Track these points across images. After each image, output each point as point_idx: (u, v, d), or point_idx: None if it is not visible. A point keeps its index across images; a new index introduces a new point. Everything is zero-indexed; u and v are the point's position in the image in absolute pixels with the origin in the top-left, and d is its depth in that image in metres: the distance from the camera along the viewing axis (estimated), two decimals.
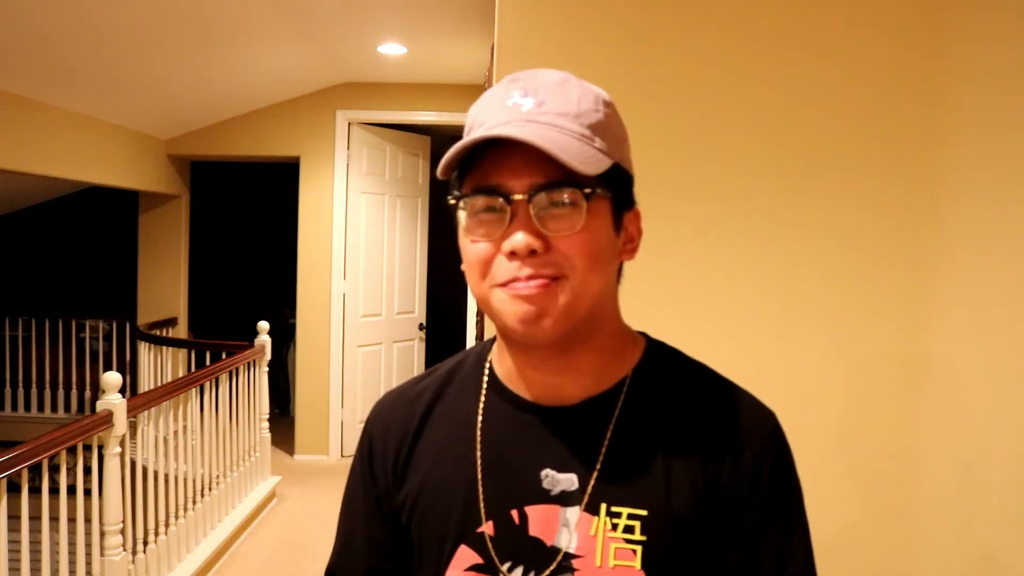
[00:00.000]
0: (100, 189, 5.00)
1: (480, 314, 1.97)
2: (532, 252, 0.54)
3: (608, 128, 0.58)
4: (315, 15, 3.14)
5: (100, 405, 2.42)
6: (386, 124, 4.50)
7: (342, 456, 4.52)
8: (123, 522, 2.46)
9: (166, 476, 2.88)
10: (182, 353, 4.35)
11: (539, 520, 0.59)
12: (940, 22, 1.29)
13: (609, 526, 0.57)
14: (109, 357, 5.16)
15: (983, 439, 1.27)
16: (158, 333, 4.58)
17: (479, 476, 0.61)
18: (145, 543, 2.67)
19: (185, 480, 3.05)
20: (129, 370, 4.76)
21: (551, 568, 0.57)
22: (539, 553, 0.58)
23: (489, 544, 0.60)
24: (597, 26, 1.37)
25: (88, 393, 5.07)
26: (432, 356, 5.24)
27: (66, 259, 6.21)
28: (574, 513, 0.58)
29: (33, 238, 6.19)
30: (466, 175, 0.60)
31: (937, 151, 1.30)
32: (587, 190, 0.54)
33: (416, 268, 4.98)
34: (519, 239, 0.53)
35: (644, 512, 0.56)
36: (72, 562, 2.32)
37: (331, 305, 4.46)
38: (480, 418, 0.63)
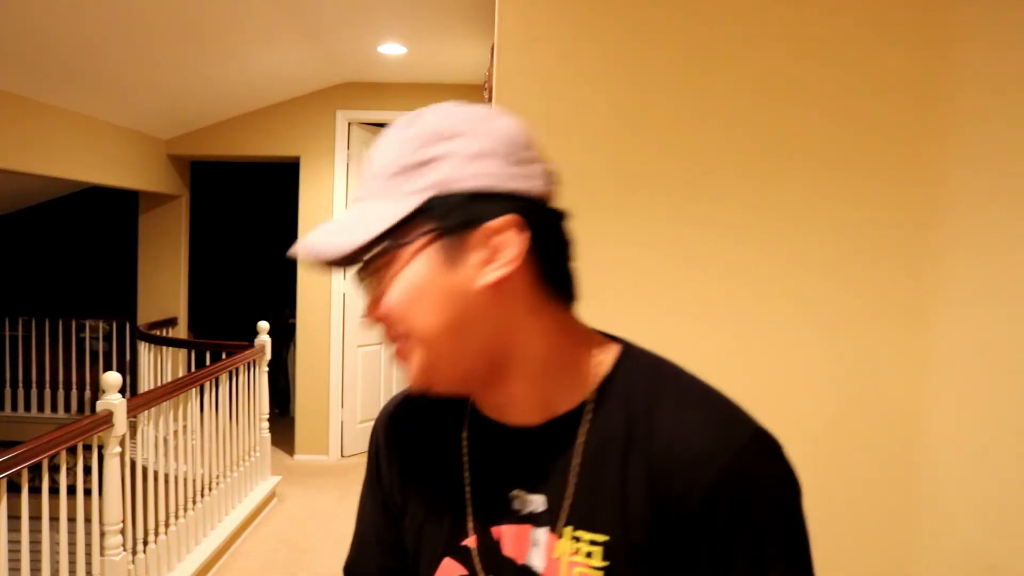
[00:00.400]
0: (100, 189, 5.01)
1: None
2: (378, 320, 0.56)
3: (430, 163, 0.54)
4: (315, 15, 3.14)
5: (100, 405, 2.42)
6: (386, 124, 4.50)
7: (342, 456, 4.52)
8: (123, 522, 2.46)
9: (166, 476, 2.88)
10: (182, 353, 4.36)
11: (511, 539, 0.58)
12: (939, 20, 1.29)
13: (572, 550, 0.55)
14: (109, 357, 5.16)
15: (984, 438, 1.27)
16: (158, 333, 4.58)
17: (466, 491, 0.61)
18: (145, 543, 2.67)
19: (185, 480, 3.05)
20: (129, 370, 4.76)
21: None
22: (513, 571, 0.58)
23: (475, 557, 0.60)
24: (597, 26, 1.38)
25: (88, 393, 5.07)
26: None
27: (66, 259, 6.21)
28: (543, 534, 0.57)
29: (34, 238, 6.19)
30: None
31: (936, 149, 1.30)
32: (376, 250, 0.53)
33: None
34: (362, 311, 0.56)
35: (606, 538, 0.54)
36: (72, 562, 2.33)
37: (331, 305, 4.46)
38: (465, 433, 0.63)
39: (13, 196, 5.52)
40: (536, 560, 0.57)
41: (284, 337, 5.31)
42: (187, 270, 4.95)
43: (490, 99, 1.84)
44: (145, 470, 2.75)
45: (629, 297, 1.39)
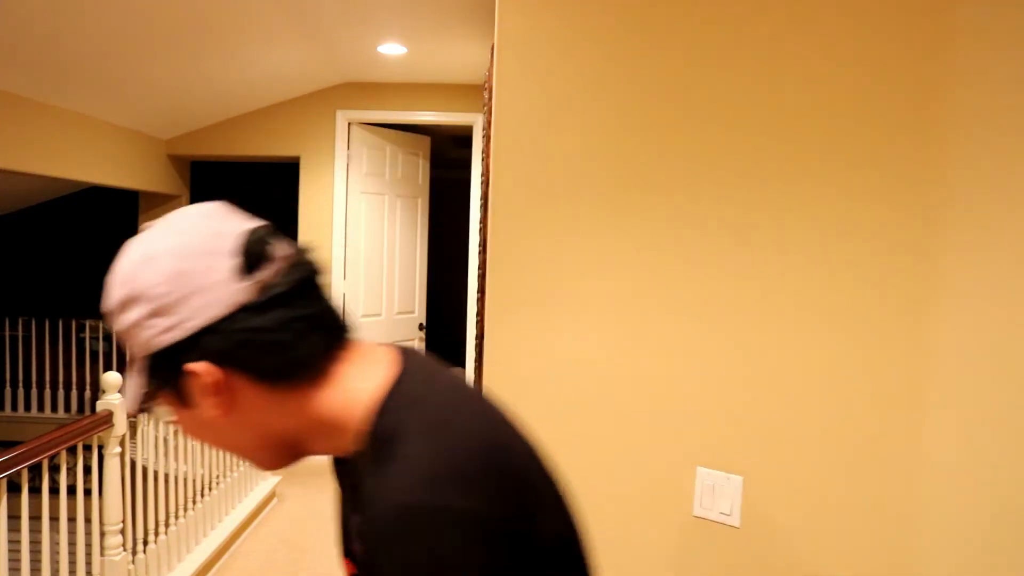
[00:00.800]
0: (101, 189, 5.01)
1: (480, 314, 1.98)
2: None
3: (129, 334, 0.60)
4: (315, 15, 3.14)
5: (100, 405, 2.42)
6: (386, 124, 4.51)
7: None
8: (123, 522, 2.46)
9: (166, 476, 2.88)
10: None
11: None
12: (939, 18, 1.29)
13: None
14: (109, 357, 5.16)
15: (986, 437, 1.27)
16: None
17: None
18: (145, 543, 2.68)
19: (185, 480, 3.05)
20: None
21: None
22: None
23: None
24: (597, 25, 1.38)
25: (88, 393, 5.08)
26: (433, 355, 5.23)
27: (67, 259, 6.21)
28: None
29: (34, 238, 6.20)
30: None
31: (936, 148, 1.30)
32: (147, 407, 0.63)
33: (416, 268, 4.98)
34: None
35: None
36: (72, 562, 2.33)
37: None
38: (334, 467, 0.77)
39: (14, 196, 5.52)
40: None
41: None
42: None
43: (490, 99, 1.84)
44: (145, 470, 2.75)
45: (627, 296, 1.39)
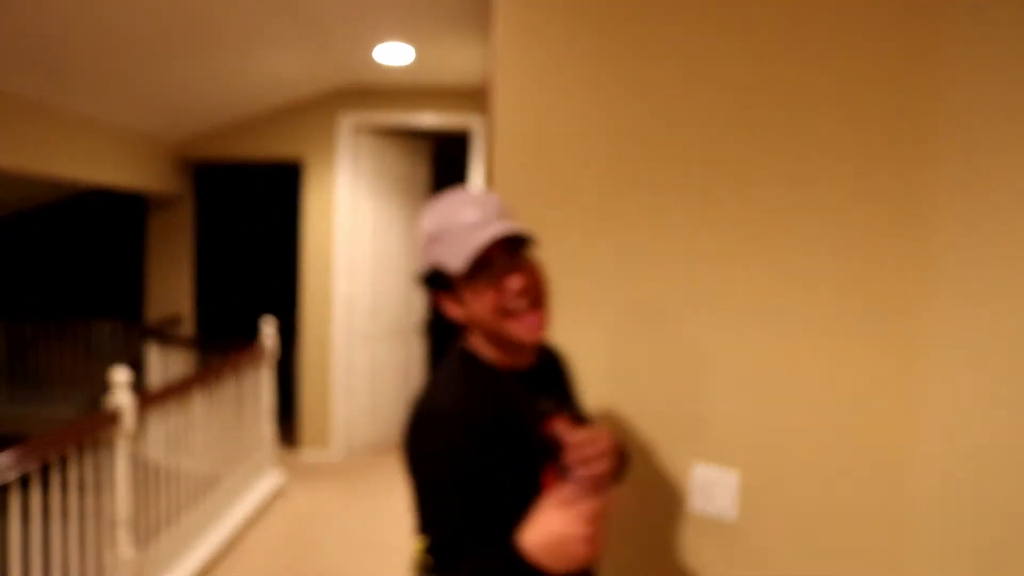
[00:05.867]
0: (110, 194, 5.06)
1: None
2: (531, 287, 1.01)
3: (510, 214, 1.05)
4: (317, 19, 3.19)
5: (109, 403, 2.46)
6: (388, 127, 4.55)
7: (346, 453, 4.56)
8: (131, 517, 2.51)
9: (173, 472, 2.93)
10: (189, 352, 4.41)
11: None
12: (928, 20, 1.32)
13: None
14: (118, 356, 5.22)
15: (976, 443, 1.30)
16: (166, 332, 4.64)
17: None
18: (153, 537, 2.72)
19: (192, 476, 3.09)
20: (138, 368, 4.81)
21: None
22: None
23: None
24: (596, 29, 1.40)
25: (98, 391, 5.13)
26: (433, 355, 5.28)
27: (76, 261, 6.27)
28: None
29: (45, 240, 6.26)
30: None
31: (926, 151, 1.33)
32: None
33: (417, 267, 5.02)
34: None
35: None
36: (82, 556, 2.37)
37: (334, 305, 4.51)
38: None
39: (18, 198, 5.58)
40: None
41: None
42: (193, 271, 5.00)
43: (491, 100, 1.87)
44: (153, 466, 2.80)
45: (627, 296, 1.42)
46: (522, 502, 0.92)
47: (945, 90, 1.31)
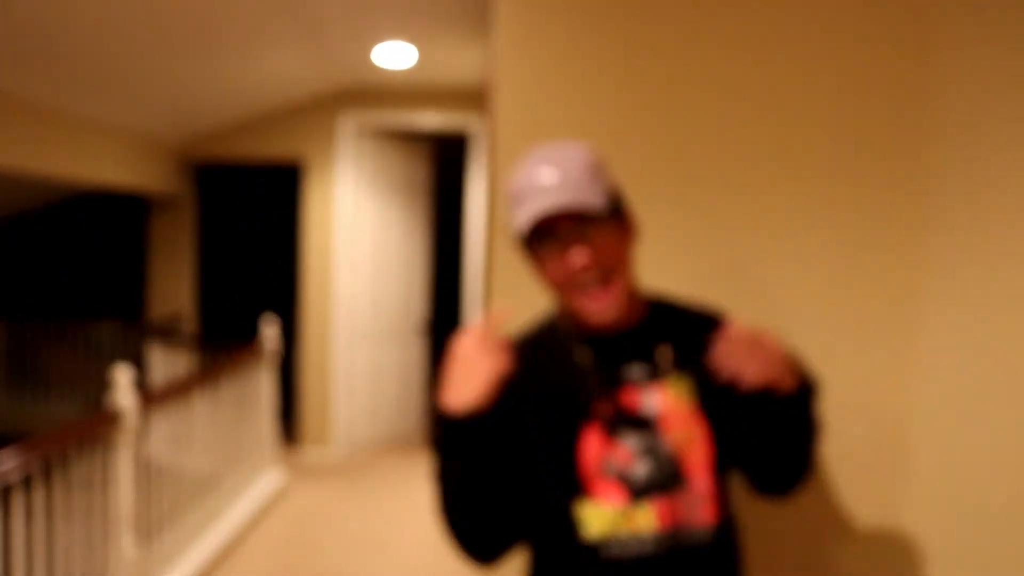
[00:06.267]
0: (111, 195, 5.08)
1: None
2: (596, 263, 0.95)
3: (598, 178, 0.96)
4: (318, 19, 3.20)
5: (111, 402, 2.48)
6: (388, 127, 4.56)
7: (347, 452, 4.58)
8: (134, 515, 2.52)
9: (175, 471, 2.94)
10: (190, 351, 4.43)
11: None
12: (922, 26, 1.33)
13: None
14: (120, 355, 5.23)
15: (970, 437, 1.31)
16: (167, 332, 4.65)
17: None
18: (155, 536, 2.74)
19: (193, 475, 3.11)
20: (140, 368, 4.83)
21: None
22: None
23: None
24: (596, 30, 1.41)
25: (100, 391, 5.14)
26: (433, 355, 5.29)
27: (79, 262, 6.29)
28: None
29: (47, 241, 6.27)
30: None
31: (923, 152, 1.34)
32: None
33: (417, 268, 5.04)
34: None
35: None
36: (84, 554, 2.38)
37: (334, 304, 4.53)
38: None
39: (24, 198, 5.60)
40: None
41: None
42: (195, 271, 5.02)
43: (491, 102, 1.88)
44: (155, 465, 2.81)
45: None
46: (534, 468, 0.93)
47: (939, 95, 1.32)
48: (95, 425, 2.38)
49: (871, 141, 1.36)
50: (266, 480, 3.85)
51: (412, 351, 5.03)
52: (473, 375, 0.85)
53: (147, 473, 2.75)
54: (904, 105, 1.35)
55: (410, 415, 5.02)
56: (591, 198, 0.90)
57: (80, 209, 6.13)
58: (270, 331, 3.95)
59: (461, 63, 3.84)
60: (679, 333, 0.99)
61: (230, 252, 6.09)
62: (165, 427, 3.16)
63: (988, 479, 1.29)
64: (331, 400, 4.54)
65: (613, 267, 0.93)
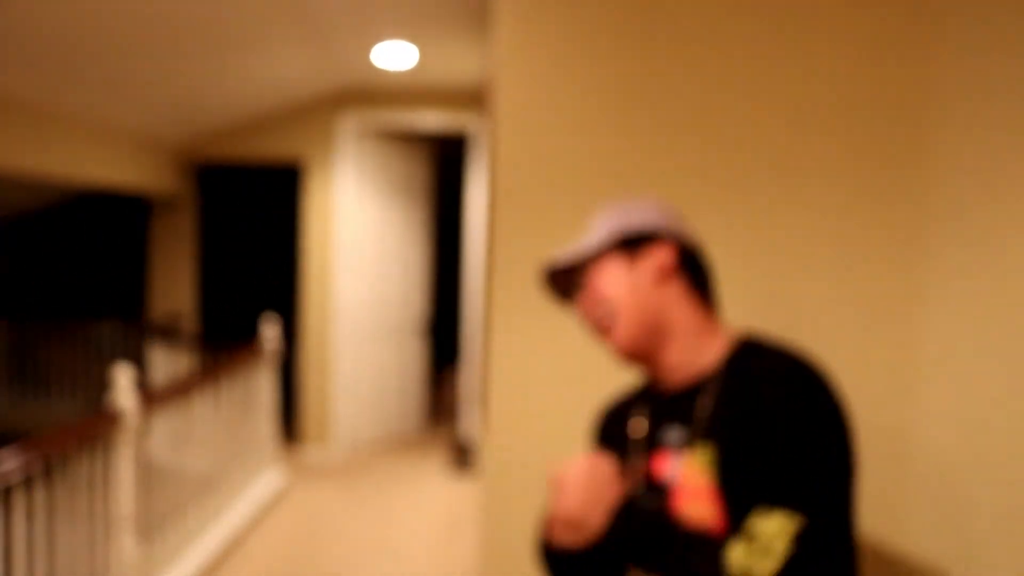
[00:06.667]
0: (112, 196, 5.08)
1: (488, 317, 2.02)
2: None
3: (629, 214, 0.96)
4: (319, 20, 3.20)
5: (112, 402, 2.48)
6: (388, 127, 4.56)
7: (347, 452, 4.58)
8: (134, 515, 2.53)
9: (176, 471, 2.95)
10: (191, 351, 4.43)
11: None
12: (925, 35, 1.34)
13: None
14: (121, 355, 5.24)
15: (973, 438, 1.31)
16: (168, 331, 4.66)
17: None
18: (156, 535, 2.74)
19: (194, 474, 3.11)
20: (140, 368, 4.83)
21: None
22: None
23: None
24: (596, 31, 1.42)
25: (100, 391, 5.15)
26: (433, 354, 5.30)
27: (81, 262, 6.30)
28: None
29: (48, 242, 6.28)
30: None
31: (924, 156, 1.35)
32: None
33: (417, 268, 5.04)
34: None
35: None
36: (86, 554, 2.39)
37: (335, 305, 4.53)
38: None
39: (26, 199, 5.60)
40: None
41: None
42: (195, 272, 5.02)
43: (491, 102, 1.88)
44: (155, 465, 2.81)
45: None
46: None
47: (946, 97, 1.33)
48: (95, 425, 2.39)
49: (872, 149, 1.36)
50: (266, 480, 3.85)
51: (412, 351, 5.03)
52: (591, 508, 0.79)
53: (147, 473, 2.75)
54: (905, 113, 1.35)
55: (410, 415, 5.02)
56: (584, 242, 0.92)
57: (81, 209, 6.13)
58: (270, 331, 3.96)
59: (461, 63, 3.84)
60: (737, 394, 0.82)
61: (231, 252, 6.10)
62: (165, 427, 3.16)
63: (989, 485, 1.29)
64: (331, 400, 4.54)
65: (609, 307, 0.89)
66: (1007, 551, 1.24)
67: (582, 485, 0.79)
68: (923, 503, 1.35)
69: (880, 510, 1.37)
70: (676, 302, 0.89)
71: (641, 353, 0.90)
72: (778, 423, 0.76)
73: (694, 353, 0.88)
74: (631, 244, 0.91)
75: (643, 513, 0.79)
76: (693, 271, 0.91)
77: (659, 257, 0.89)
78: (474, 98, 4.36)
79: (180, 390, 3.04)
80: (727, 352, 0.87)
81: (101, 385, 5.11)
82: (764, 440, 0.77)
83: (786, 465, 0.75)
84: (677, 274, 0.90)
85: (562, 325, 1.44)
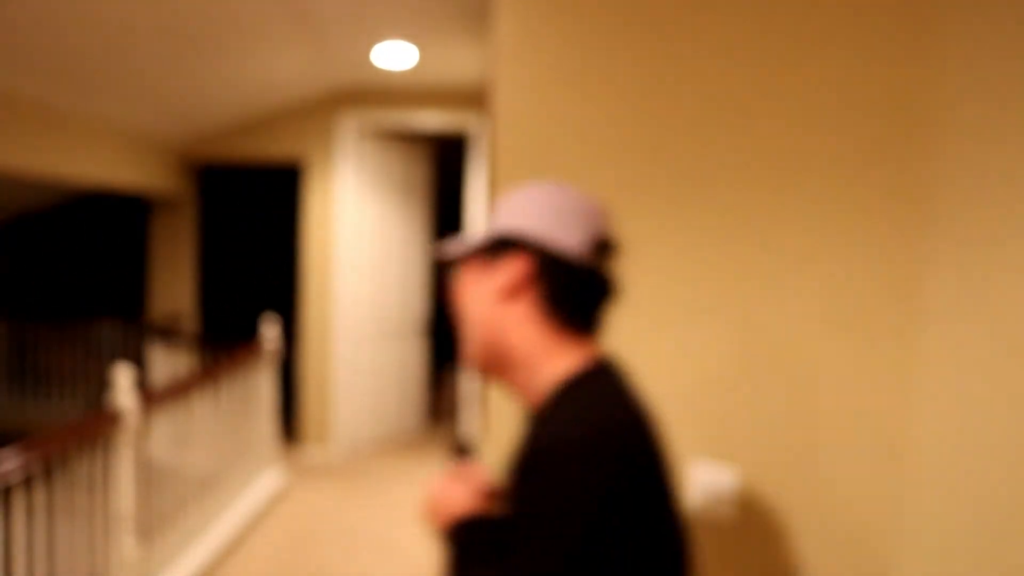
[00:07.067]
0: (112, 197, 5.08)
1: None
2: None
3: (509, 210, 0.85)
4: (318, 20, 3.20)
5: (112, 401, 2.48)
6: (388, 127, 4.56)
7: (347, 451, 4.58)
8: (134, 515, 2.53)
9: (175, 470, 2.95)
10: (192, 351, 4.43)
11: None
12: (924, 34, 1.34)
13: None
14: (121, 355, 5.24)
15: (969, 451, 1.31)
16: (168, 331, 4.66)
17: None
18: (156, 535, 2.74)
19: (194, 474, 3.11)
20: (140, 368, 4.83)
21: None
22: None
23: None
24: (597, 31, 1.42)
25: (101, 390, 5.15)
26: (433, 354, 5.29)
27: (81, 262, 6.30)
28: None
29: (49, 242, 6.28)
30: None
31: (923, 163, 1.34)
32: None
33: (417, 268, 5.04)
34: None
35: None
36: (86, 553, 2.39)
37: (335, 304, 4.53)
38: None
39: (27, 200, 5.60)
40: None
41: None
42: (196, 272, 5.02)
43: (491, 102, 1.88)
44: (155, 465, 2.81)
45: (625, 293, 1.44)
46: None
47: (948, 97, 1.32)
48: (96, 425, 2.39)
49: (872, 148, 1.36)
50: (266, 480, 3.85)
51: (412, 351, 5.03)
52: (438, 511, 0.86)
53: (147, 473, 2.75)
54: (906, 113, 1.35)
55: (410, 415, 5.02)
56: (458, 242, 0.86)
57: (81, 209, 6.13)
58: (270, 331, 3.96)
59: (461, 63, 3.84)
60: (527, 438, 0.74)
61: (231, 252, 6.10)
62: (166, 427, 3.16)
63: (990, 490, 1.29)
64: (331, 400, 4.54)
65: (460, 314, 0.85)
66: (1009, 556, 1.24)
67: (439, 490, 0.86)
68: (923, 502, 1.35)
69: (878, 513, 1.37)
70: (520, 324, 0.80)
71: (490, 370, 0.84)
72: (517, 483, 0.70)
73: (538, 378, 0.80)
74: (495, 249, 0.82)
75: (465, 528, 0.81)
76: (556, 286, 0.79)
77: (509, 272, 0.80)
78: (474, 98, 4.36)
79: (180, 390, 3.04)
80: (558, 385, 0.78)
81: (101, 385, 5.12)
82: (512, 496, 0.71)
83: (514, 528, 0.69)
84: (527, 291, 0.80)
85: None
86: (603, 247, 0.83)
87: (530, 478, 0.68)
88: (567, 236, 0.79)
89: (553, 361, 0.79)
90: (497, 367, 0.83)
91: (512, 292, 0.80)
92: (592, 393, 0.76)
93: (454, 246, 0.85)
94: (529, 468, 0.69)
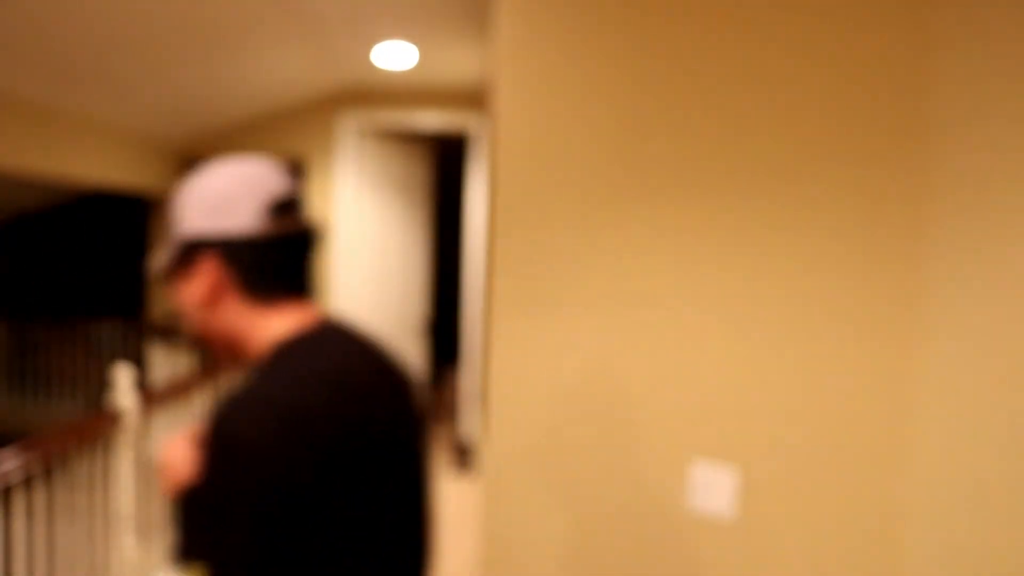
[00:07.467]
0: (111, 197, 5.08)
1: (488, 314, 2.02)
2: None
3: (180, 215, 0.88)
4: (318, 20, 3.20)
5: (112, 402, 2.48)
6: (388, 127, 4.56)
7: None
8: (134, 515, 2.52)
9: None
10: (191, 351, 4.43)
11: None
12: (922, 34, 1.34)
13: None
14: (121, 355, 5.24)
15: (970, 457, 1.31)
16: (168, 332, 4.65)
17: None
18: (155, 536, 2.74)
19: None
20: (140, 368, 4.83)
21: None
22: None
23: None
24: (597, 31, 1.42)
25: (100, 390, 5.15)
26: (433, 354, 5.30)
27: (81, 262, 6.30)
28: None
29: (48, 242, 6.28)
30: None
31: (921, 159, 1.34)
32: None
33: (417, 268, 5.04)
34: None
35: None
36: (85, 554, 2.39)
37: (334, 304, 4.53)
38: None
39: (26, 199, 5.60)
40: None
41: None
42: None
43: (491, 102, 1.88)
44: (156, 464, 2.81)
45: (626, 293, 1.44)
46: None
47: (945, 90, 1.32)
48: (96, 425, 2.39)
49: (870, 142, 1.36)
50: None
51: (412, 350, 5.03)
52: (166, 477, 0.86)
53: (148, 473, 2.75)
54: (903, 106, 1.35)
55: None
56: (160, 254, 0.90)
57: (81, 209, 6.13)
58: None
59: (461, 63, 3.84)
60: None
61: None
62: (165, 427, 3.16)
63: (991, 492, 1.29)
64: None
65: (186, 316, 0.90)
66: (1010, 555, 1.24)
67: (167, 455, 0.86)
68: (923, 504, 1.35)
69: (878, 514, 1.37)
70: (233, 313, 0.86)
71: (227, 353, 0.90)
72: (205, 450, 0.73)
73: (258, 347, 0.87)
74: (184, 257, 0.86)
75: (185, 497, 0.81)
76: (245, 269, 0.84)
77: (202, 280, 0.85)
78: (474, 98, 4.36)
79: (180, 390, 3.03)
80: (272, 348, 0.84)
81: (101, 385, 5.12)
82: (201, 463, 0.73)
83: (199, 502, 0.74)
84: (225, 288, 0.85)
85: (562, 325, 1.44)
86: (281, 207, 0.86)
87: (212, 461, 0.71)
88: (236, 219, 0.83)
89: (266, 326, 0.86)
90: (231, 349, 0.89)
91: (213, 296, 0.85)
92: (293, 367, 0.78)
93: (157, 260, 0.89)
94: (213, 444, 0.71)
